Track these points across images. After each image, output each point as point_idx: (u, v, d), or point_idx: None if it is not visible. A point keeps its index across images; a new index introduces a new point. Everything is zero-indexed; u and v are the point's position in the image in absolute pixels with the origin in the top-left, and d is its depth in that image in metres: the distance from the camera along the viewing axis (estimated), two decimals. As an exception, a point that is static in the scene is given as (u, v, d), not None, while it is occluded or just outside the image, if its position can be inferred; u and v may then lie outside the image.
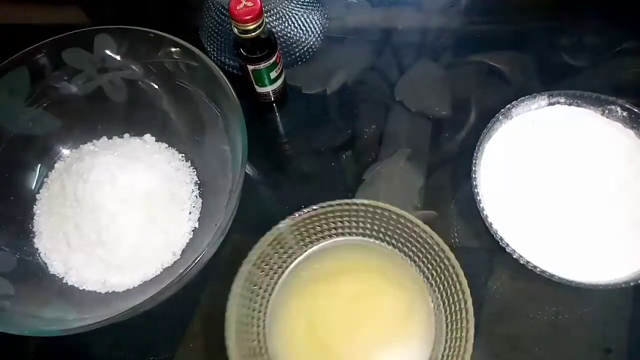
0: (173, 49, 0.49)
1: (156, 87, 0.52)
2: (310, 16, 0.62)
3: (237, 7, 0.45)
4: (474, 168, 0.46)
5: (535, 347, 0.46)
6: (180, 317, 0.49)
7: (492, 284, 0.49)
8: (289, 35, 0.61)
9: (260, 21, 0.46)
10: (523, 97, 0.48)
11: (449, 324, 0.40)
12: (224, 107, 0.48)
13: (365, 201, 0.43)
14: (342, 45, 0.63)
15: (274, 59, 0.50)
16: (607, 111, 0.48)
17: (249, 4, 0.45)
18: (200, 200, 0.52)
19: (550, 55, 0.61)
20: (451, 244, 0.50)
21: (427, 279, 0.44)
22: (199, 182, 0.53)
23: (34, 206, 0.51)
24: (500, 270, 0.49)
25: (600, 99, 0.48)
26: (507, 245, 0.42)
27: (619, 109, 0.47)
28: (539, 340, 0.46)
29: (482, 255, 0.50)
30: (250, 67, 0.51)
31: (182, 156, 0.54)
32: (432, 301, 0.43)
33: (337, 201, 0.43)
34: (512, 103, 0.48)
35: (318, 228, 0.45)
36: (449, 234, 0.51)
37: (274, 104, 0.59)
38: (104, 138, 0.54)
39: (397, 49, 0.63)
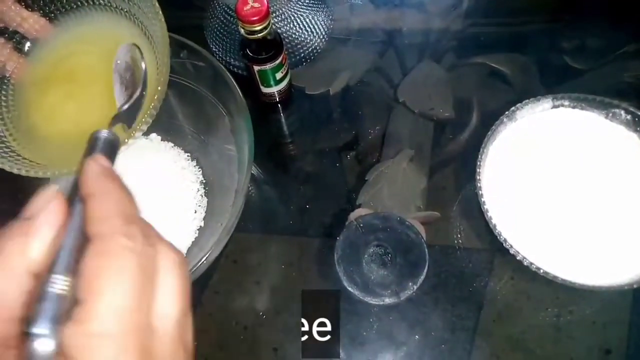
0: (179, 49, 0.49)
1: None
2: (315, 17, 0.63)
3: (244, 8, 0.45)
4: (478, 170, 0.46)
5: (535, 347, 0.46)
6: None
7: (493, 284, 0.49)
8: (294, 36, 0.61)
9: (267, 22, 0.46)
10: (527, 100, 0.49)
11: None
12: (230, 107, 0.48)
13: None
14: (345, 46, 0.63)
15: (279, 59, 0.51)
16: (610, 114, 0.48)
17: (256, 5, 0.45)
18: (206, 199, 0.52)
19: (553, 57, 0.61)
20: (454, 245, 0.51)
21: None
22: (204, 181, 0.53)
23: (40, 205, 0.51)
24: (502, 271, 0.50)
25: (604, 102, 0.48)
26: (511, 246, 0.43)
27: (622, 112, 0.48)
28: (539, 341, 0.47)
29: (484, 256, 0.50)
30: (256, 68, 0.51)
31: (187, 155, 0.54)
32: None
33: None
34: (517, 105, 0.48)
35: None
36: (452, 235, 0.51)
37: (279, 104, 0.59)
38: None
39: (400, 50, 0.63)
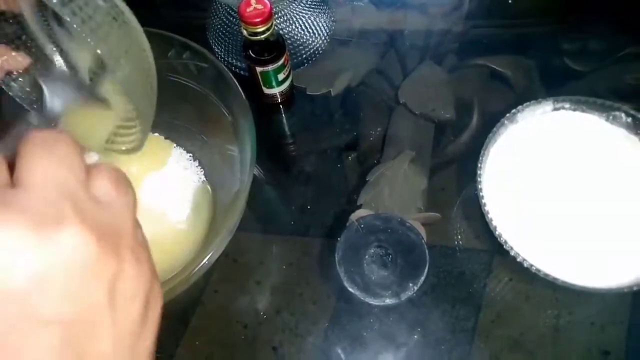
0: (182, 50, 0.49)
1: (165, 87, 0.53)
2: (317, 19, 0.63)
3: (247, 10, 0.45)
4: (479, 172, 0.46)
5: (534, 348, 0.47)
6: (183, 315, 0.49)
7: (493, 285, 0.49)
8: (295, 37, 0.62)
9: (270, 24, 0.46)
10: (528, 102, 0.49)
11: None
12: (232, 108, 0.48)
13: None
14: (347, 48, 0.64)
15: (282, 61, 0.51)
16: (611, 117, 0.49)
17: (259, 6, 0.45)
18: (207, 199, 0.52)
19: (554, 59, 0.62)
20: (454, 246, 0.51)
21: None
22: (206, 181, 0.53)
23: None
24: (501, 272, 0.50)
25: (605, 105, 0.48)
26: (512, 248, 0.43)
27: (623, 115, 0.48)
28: (538, 342, 0.47)
29: (484, 257, 0.51)
30: (258, 69, 0.51)
31: (189, 156, 0.54)
32: None
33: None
34: (518, 108, 0.49)
35: None
36: (452, 236, 0.52)
37: (281, 106, 0.59)
38: (112, 137, 0.55)
39: (401, 51, 0.63)
